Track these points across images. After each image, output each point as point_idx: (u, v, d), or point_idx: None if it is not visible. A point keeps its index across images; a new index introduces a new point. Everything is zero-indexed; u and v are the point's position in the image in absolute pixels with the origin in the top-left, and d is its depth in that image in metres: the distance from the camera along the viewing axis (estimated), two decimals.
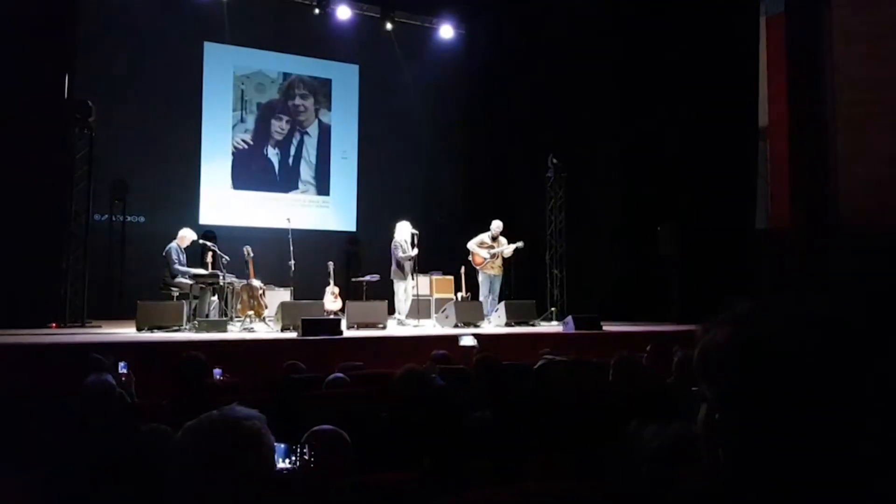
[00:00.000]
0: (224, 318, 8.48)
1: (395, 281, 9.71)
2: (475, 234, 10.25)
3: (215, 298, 8.89)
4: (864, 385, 0.79)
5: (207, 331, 7.71)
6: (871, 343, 0.80)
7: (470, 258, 10.22)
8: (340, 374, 4.44)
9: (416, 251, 9.61)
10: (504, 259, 10.16)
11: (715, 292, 8.87)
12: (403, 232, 9.69)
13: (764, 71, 10.32)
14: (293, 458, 2.61)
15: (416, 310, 9.56)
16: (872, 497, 0.77)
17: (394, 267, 9.68)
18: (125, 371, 4.54)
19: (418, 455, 2.86)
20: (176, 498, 1.33)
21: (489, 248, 10.03)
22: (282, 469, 2.64)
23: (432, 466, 2.79)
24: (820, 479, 0.78)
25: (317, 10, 12.17)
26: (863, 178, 9.19)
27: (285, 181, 12.75)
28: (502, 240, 10.10)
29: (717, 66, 10.05)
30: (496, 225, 10.13)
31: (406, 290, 9.66)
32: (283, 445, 2.69)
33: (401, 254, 9.59)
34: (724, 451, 0.85)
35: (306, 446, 2.50)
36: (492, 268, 10.07)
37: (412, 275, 9.67)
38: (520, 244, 10.02)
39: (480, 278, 10.18)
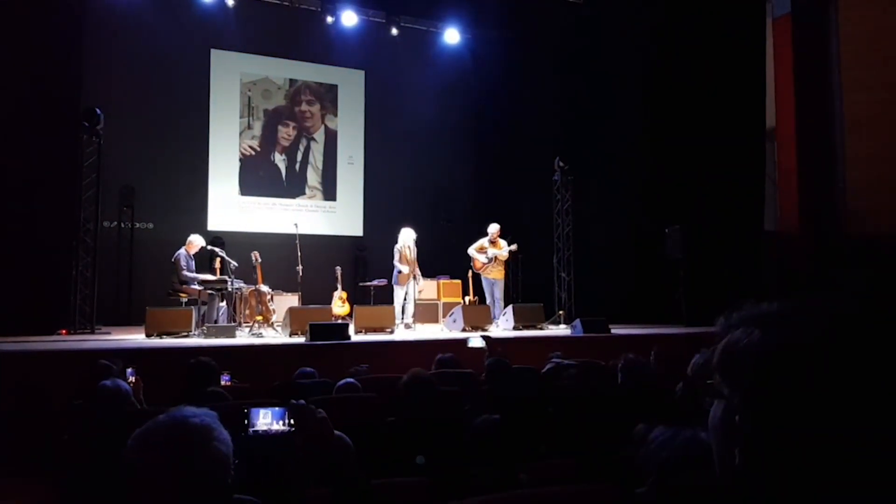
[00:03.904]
0: (232, 324, 8.50)
1: (394, 287, 9.70)
2: (482, 238, 10.25)
3: (224, 304, 8.92)
4: None
5: (216, 336, 7.73)
6: None
7: (471, 264, 10.22)
8: (352, 380, 4.44)
9: (410, 265, 9.58)
10: (504, 262, 10.14)
11: (723, 295, 8.84)
12: (404, 238, 9.67)
13: (771, 73, 10.30)
14: (286, 420, 2.68)
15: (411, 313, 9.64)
16: None
17: (395, 273, 9.69)
18: (133, 377, 4.54)
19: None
20: (136, 500, 1.33)
21: (487, 252, 10.00)
22: (277, 431, 2.72)
23: (424, 464, 2.79)
24: (844, 487, 0.77)
25: (329, 19, 12.21)
26: (871, 180, 9.15)
27: (292, 187, 12.79)
28: (502, 242, 10.06)
29: (723, 68, 10.03)
30: (493, 228, 10.10)
31: (408, 294, 9.62)
32: (278, 409, 2.75)
33: (396, 261, 9.58)
34: (741, 453, 0.84)
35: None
36: (491, 272, 10.04)
37: (412, 280, 9.63)
38: (513, 246, 9.99)
39: (483, 283, 10.17)
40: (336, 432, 2.56)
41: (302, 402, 2.66)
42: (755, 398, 0.82)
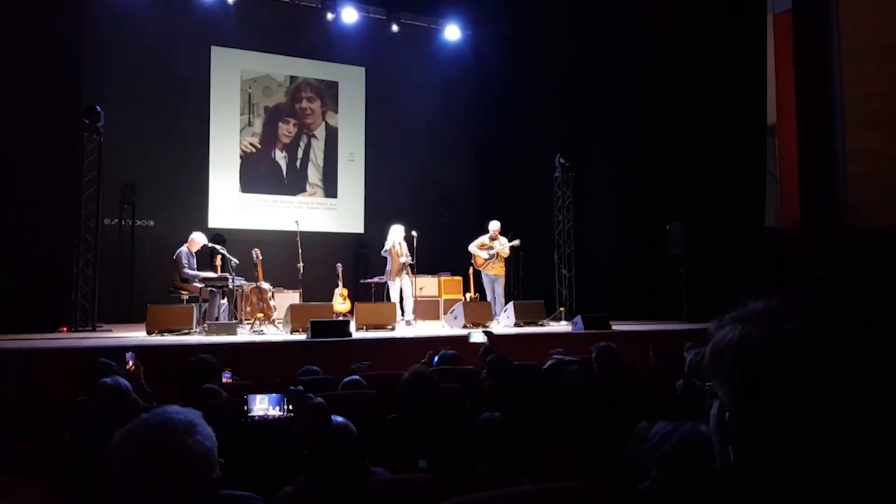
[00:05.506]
0: (234, 322, 8.50)
1: (388, 283, 9.71)
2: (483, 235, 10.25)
3: (225, 301, 8.92)
4: (882, 386, 0.77)
5: (217, 334, 7.73)
6: (887, 342, 0.78)
7: (472, 261, 10.22)
8: (356, 377, 4.44)
9: (405, 257, 9.55)
10: (505, 259, 10.13)
11: (724, 291, 8.84)
12: (393, 236, 9.65)
13: (772, 68, 10.28)
14: (284, 407, 2.69)
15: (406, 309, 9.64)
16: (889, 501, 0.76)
17: (387, 268, 9.70)
18: (132, 362, 4.50)
19: (425, 457, 2.86)
20: (122, 498, 1.33)
21: (489, 248, 10.01)
22: (274, 417, 2.74)
23: (427, 467, 2.79)
24: (831, 481, 0.77)
25: (330, 15, 12.17)
26: (872, 176, 9.13)
27: (293, 184, 12.78)
28: (502, 239, 10.06)
29: (724, 64, 10.01)
30: (494, 225, 10.10)
31: (403, 290, 9.61)
32: (275, 395, 2.78)
33: (388, 261, 9.58)
34: (734, 449, 0.84)
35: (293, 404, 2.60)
36: (492, 268, 10.04)
37: (408, 276, 9.60)
38: (516, 242, 9.99)
39: (484, 280, 10.17)
40: (339, 418, 2.56)
41: (300, 388, 2.67)
42: (739, 393, 0.83)
